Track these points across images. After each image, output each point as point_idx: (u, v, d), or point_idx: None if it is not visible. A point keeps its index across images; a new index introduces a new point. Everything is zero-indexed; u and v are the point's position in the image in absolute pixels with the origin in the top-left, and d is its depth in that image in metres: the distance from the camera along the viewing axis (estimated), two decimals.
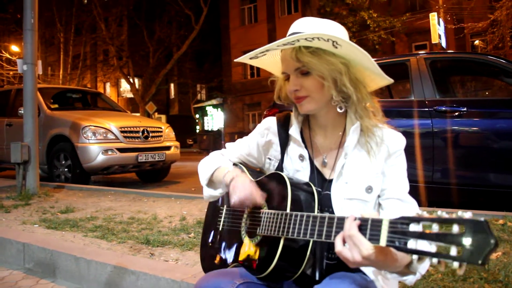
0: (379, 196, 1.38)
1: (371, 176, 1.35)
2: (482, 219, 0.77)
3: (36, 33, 6.38)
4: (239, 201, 1.32)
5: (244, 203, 1.33)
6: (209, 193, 1.57)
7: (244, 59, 1.43)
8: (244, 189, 1.32)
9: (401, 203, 1.34)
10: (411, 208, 1.34)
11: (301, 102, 1.35)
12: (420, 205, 4.35)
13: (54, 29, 30.72)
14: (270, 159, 1.57)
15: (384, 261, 1.01)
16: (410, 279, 1.16)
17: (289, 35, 1.35)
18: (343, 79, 1.29)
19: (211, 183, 1.56)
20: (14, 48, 25.76)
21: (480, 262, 0.74)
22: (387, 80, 1.38)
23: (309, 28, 1.34)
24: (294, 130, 1.46)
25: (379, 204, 1.39)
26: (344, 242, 1.02)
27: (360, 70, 1.35)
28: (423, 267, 1.15)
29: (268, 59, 1.46)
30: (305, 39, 1.23)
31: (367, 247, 0.96)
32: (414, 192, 4.17)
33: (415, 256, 0.85)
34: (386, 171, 1.37)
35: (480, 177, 4.31)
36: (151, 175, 9.15)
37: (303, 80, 1.32)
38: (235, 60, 1.49)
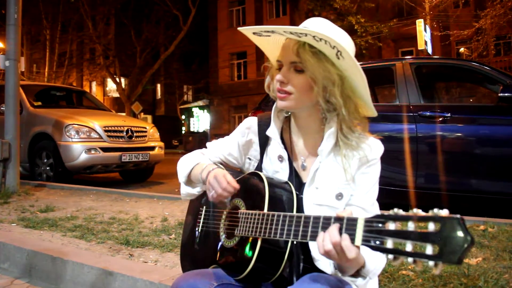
0: None
1: (342, 183, 1.33)
2: (457, 216, 0.75)
3: (20, 28, 6.28)
4: (217, 196, 1.32)
5: (222, 195, 1.32)
6: (187, 191, 1.55)
7: (247, 30, 1.32)
8: (220, 184, 1.31)
9: (363, 213, 1.32)
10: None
11: (283, 98, 1.31)
12: (407, 210, 4.27)
13: (40, 26, 30.41)
14: (250, 159, 1.55)
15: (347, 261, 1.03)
16: (359, 282, 1.20)
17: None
18: (335, 90, 1.26)
19: (189, 181, 1.54)
20: None
21: (456, 260, 0.73)
22: (372, 112, 1.35)
23: (321, 29, 1.29)
24: (272, 131, 1.42)
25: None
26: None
27: (352, 90, 1.31)
28: (374, 273, 1.19)
29: (269, 42, 1.38)
30: (313, 37, 1.18)
31: (352, 254, 0.97)
32: (397, 196, 4.20)
33: (390, 256, 0.84)
34: (357, 178, 1.34)
35: (462, 183, 4.34)
36: (135, 175, 9.06)
37: (294, 76, 1.28)
38: (238, 28, 1.35)
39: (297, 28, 1.19)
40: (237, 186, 1.31)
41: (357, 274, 1.16)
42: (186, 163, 1.54)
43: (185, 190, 1.55)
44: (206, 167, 1.43)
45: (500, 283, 2.16)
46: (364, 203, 1.33)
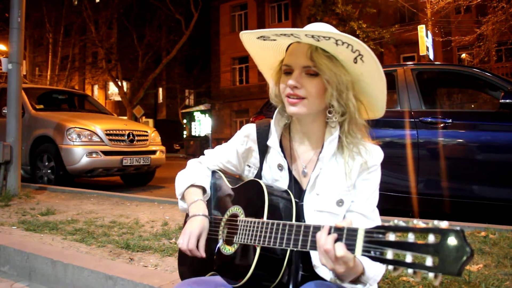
0: None
1: (343, 189, 1.32)
2: (457, 228, 0.75)
3: (23, 32, 6.31)
4: (179, 248, 1.37)
5: (185, 251, 1.35)
6: (183, 206, 1.54)
7: (254, 33, 1.30)
8: (189, 243, 1.33)
9: (363, 219, 1.32)
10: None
11: (295, 103, 1.28)
12: (408, 216, 4.28)
13: (43, 29, 30.44)
14: (249, 166, 1.53)
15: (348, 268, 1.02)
16: None
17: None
18: (349, 93, 1.26)
19: (184, 197, 1.53)
20: (1, 47, 25.46)
21: (455, 272, 0.73)
22: (381, 113, 1.36)
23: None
24: (273, 141, 1.41)
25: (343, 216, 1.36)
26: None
27: (362, 93, 1.31)
28: (374, 279, 1.18)
29: (271, 47, 1.37)
30: (336, 40, 1.17)
31: (350, 258, 0.97)
32: (398, 202, 4.17)
33: (390, 267, 0.83)
34: (357, 185, 1.33)
35: (464, 189, 4.33)
36: (136, 179, 9.06)
37: (307, 81, 1.26)
38: (242, 32, 1.33)
39: (320, 32, 1.17)
40: (200, 256, 1.35)
41: (357, 280, 1.14)
42: (182, 181, 1.53)
43: (182, 205, 1.55)
44: (194, 204, 1.44)
45: None
46: (365, 210, 1.33)
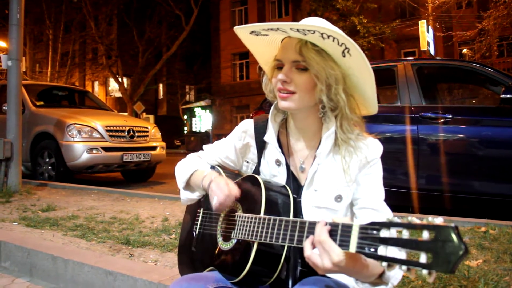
0: (353, 205, 1.35)
1: (341, 185, 1.32)
2: (452, 225, 0.74)
3: (22, 28, 6.30)
4: (219, 204, 1.29)
5: (224, 204, 1.30)
6: (187, 196, 1.53)
7: (249, 28, 1.30)
8: (222, 191, 1.28)
9: (375, 213, 1.31)
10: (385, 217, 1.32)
11: (285, 97, 1.29)
12: (408, 211, 4.26)
13: (43, 26, 30.41)
14: (247, 162, 1.53)
15: (354, 268, 1.00)
16: None
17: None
18: (338, 88, 1.25)
19: (188, 186, 1.52)
20: (1, 43, 25.41)
21: (449, 269, 0.72)
22: (373, 109, 1.35)
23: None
24: (269, 136, 1.41)
25: (353, 214, 1.36)
26: (313, 247, 1.00)
27: (354, 88, 1.31)
28: (396, 278, 1.15)
29: (265, 41, 1.37)
30: (322, 34, 1.17)
31: (337, 253, 0.93)
32: (398, 198, 4.18)
33: (384, 263, 0.83)
34: (360, 180, 1.33)
35: (464, 184, 4.33)
36: (136, 175, 9.08)
37: (296, 75, 1.27)
38: (234, 28, 1.34)
39: (305, 25, 1.17)
40: (238, 194, 1.30)
41: (380, 281, 1.11)
42: (185, 169, 1.53)
43: (184, 195, 1.54)
44: (207, 174, 1.41)
45: (501, 285, 2.15)
46: (374, 203, 1.32)
